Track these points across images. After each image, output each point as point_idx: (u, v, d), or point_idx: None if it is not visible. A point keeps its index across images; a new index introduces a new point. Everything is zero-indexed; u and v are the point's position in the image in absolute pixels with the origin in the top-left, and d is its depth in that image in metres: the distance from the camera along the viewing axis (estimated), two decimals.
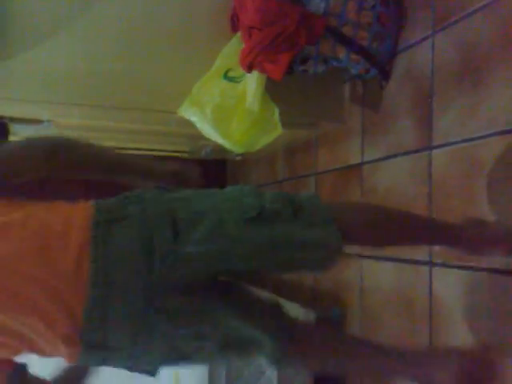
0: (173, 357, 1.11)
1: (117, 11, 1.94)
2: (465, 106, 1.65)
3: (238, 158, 3.15)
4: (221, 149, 2.06)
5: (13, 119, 2.14)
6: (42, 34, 1.88)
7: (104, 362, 1.09)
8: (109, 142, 2.93)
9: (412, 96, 1.89)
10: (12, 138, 2.34)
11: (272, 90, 1.92)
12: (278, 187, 3.04)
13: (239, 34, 1.89)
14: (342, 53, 1.86)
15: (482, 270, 1.56)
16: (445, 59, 1.74)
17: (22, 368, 1.14)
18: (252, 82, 1.87)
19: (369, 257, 2.12)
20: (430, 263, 1.77)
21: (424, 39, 1.83)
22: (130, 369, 1.13)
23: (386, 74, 1.98)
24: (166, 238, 1.03)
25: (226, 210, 1.09)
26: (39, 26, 1.88)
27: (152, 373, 1.14)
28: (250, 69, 1.81)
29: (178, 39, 2.02)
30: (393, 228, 1.28)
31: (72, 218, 1.04)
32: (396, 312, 1.95)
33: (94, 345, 1.02)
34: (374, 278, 2.08)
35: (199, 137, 2.10)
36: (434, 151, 1.77)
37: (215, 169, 3.83)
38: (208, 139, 1.97)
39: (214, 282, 1.15)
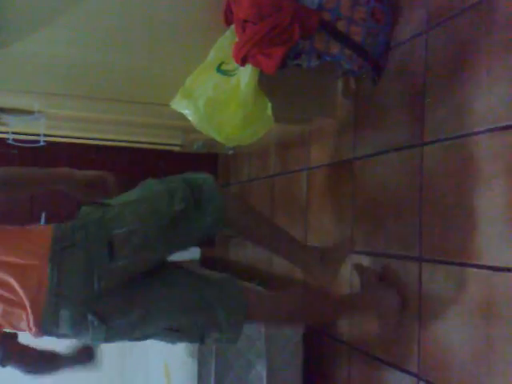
0: (110, 338, 1.49)
1: (111, 2, 1.93)
2: (457, 103, 1.65)
3: (230, 152, 3.15)
4: (213, 142, 2.06)
5: (3, 110, 2.13)
6: (34, 23, 1.86)
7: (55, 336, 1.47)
8: (100, 134, 2.93)
9: (405, 92, 1.89)
10: (2, 129, 2.33)
11: (265, 84, 1.92)
12: (269, 182, 3.04)
13: (233, 27, 1.88)
14: (335, 48, 1.86)
15: (472, 266, 1.57)
16: (438, 55, 1.75)
17: (10, 335, 1.55)
18: (245, 76, 1.86)
19: (358, 252, 2.12)
20: (420, 259, 1.78)
21: (418, 35, 1.83)
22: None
23: (379, 70, 1.98)
24: (102, 258, 1.39)
25: (147, 222, 1.47)
26: (32, 16, 1.86)
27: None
28: (243, 62, 1.81)
29: (171, 32, 2.01)
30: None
31: (37, 247, 1.40)
32: None
33: (45, 331, 1.43)
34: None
35: (191, 130, 2.10)
36: (426, 147, 1.78)
37: (207, 163, 3.83)
38: (200, 132, 1.97)
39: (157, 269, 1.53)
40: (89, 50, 1.93)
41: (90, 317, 1.40)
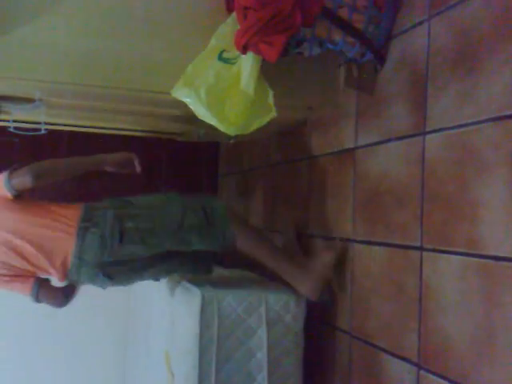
0: (115, 284, 2.12)
1: None
2: (459, 92, 1.64)
3: (232, 141, 3.14)
4: (214, 131, 2.05)
5: (3, 98, 2.12)
6: (35, 11, 1.85)
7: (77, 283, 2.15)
8: (101, 123, 2.92)
9: (407, 80, 1.88)
10: (3, 117, 2.32)
11: (267, 72, 1.91)
12: (271, 171, 3.03)
13: (234, 14, 1.87)
14: (337, 36, 1.85)
15: (472, 255, 1.57)
16: (440, 44, 1.73)
17: (44, 279, 2.11)
18: (247, 64, 1.85)
19: (360, 241, 2.12)
20: (421, 248, 1.78)
21: (420, 23, 1.82)
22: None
23: (381, 58, 1.97)
24: (114, 241, 1.96)
25: (158, 223, 2.03)
26: (33, 3, 1.85)
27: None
28: (244, 50, 1.79)
29: (172, 19, 1.99)
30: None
31: (69, 221, 2.01)
32: (386, 297, 1.96)
33: (70, 279, 2.07)
34: (365, 262, 2.09)
35: (192, 119, 2.09)
36: (428, 136, 1.77)
37: (208, 151, 3.82)
38: (201, 121, 1.96)
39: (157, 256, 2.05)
40: (89, 38, 1.92)
41: (100, 275, 2.02)
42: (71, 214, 2.02)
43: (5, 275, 2.02)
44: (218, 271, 2.84)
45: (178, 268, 2.16)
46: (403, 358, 1.85)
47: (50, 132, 2.49)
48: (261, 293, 2.21)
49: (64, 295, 2.16)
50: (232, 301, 2.15)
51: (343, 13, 1.82)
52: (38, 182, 1.98)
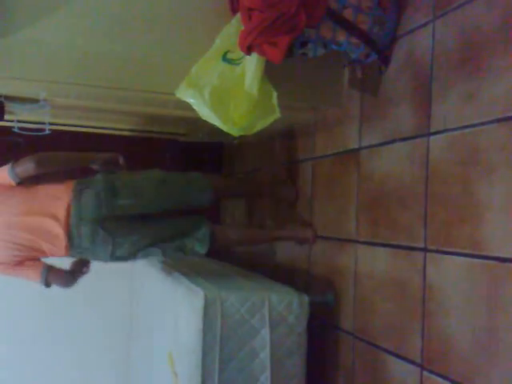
0: (117, 255, 2.23)
1: None
2: (464, 93, 1.64)
3: (235, 142, 3.14)
4: (218, 131, 2.05)
5: (9, 98, 2.12)
6: (40, 11, 1.86)
7: (81, 254, 2.26)
8: (104, 123, 2.93)
9: (411, 81, 1.88)
10: (8, 117, 2.33)
11: (271, 73, 1.90)
12: (274, 171, 3.03)
13: (239, 15, 1.87)
14: (341, 37, 1.85)
15: (476, 256, 1.57)
16: (445, 45, 1.73)
17: (50, 265, 2.26)
18: (251, 65, 1.85)
19: (363, 242, 2.12)
20: (425, 249, 1.78)
21: (425, 24, 1.82)
22: (96, 260, 2.32)
23: (385, 59, 1.97)
24: (108, 196, 2.19)
25: (145, 180, 2.31)
26: (37, 4, 1.85)
27: (106, 260, 2.28)
28: (249, 51, 1.79)
29: (176, 20, 1.99)
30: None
31: (66, 188, 2.22)
32: (389, 297, 1.96)
33: (74, 246, 2.19)
34: (369, 263, 2.09)
35: (196, 119, 2.09)
36: (432, 137, 1.77)
37: (211, 152, 3.82)
38: (205, 121, 1.96)
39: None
40: (94, 39, 1.92)
41: (100, 231, 2.17)
42: (67, 184, 2.25)
43: (16, 256, 2.19)
44: (220, 269, 2.85)
45: (171, 228, 2.32)
46: (406, 359, 1.85)
47: (54, 132, 2.50)
48: (264, 293, 2.21)
49: (71, 275, 2.32)
50: (235, 301, 2.15)
51: (348, 14, 1.82)
52: (39, 169, 2.16)
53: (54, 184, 2.26)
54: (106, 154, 2.33)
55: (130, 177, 2.31)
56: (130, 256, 2.27)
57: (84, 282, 3.28)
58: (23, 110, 2.20)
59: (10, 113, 2.29)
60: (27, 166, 2.15)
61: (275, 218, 3.02)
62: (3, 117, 2.21)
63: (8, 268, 2.21)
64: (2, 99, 2.11)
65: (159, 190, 2.29)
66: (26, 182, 2.21)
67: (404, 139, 1.91)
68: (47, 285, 2.25)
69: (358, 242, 2.17)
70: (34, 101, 2.12)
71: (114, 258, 2.23)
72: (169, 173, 2.38)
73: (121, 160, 2.33)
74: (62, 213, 2.16)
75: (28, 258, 2.22)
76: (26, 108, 2.17)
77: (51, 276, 2.23)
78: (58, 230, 2.16)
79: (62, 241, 2.17)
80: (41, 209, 2.17)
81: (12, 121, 2.42)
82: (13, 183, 2.18)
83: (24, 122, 2.51)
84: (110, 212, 2.17)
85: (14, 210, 2.17)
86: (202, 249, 2.32)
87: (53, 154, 2.25)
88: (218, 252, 3.50)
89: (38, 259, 2.25)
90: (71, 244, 2.18)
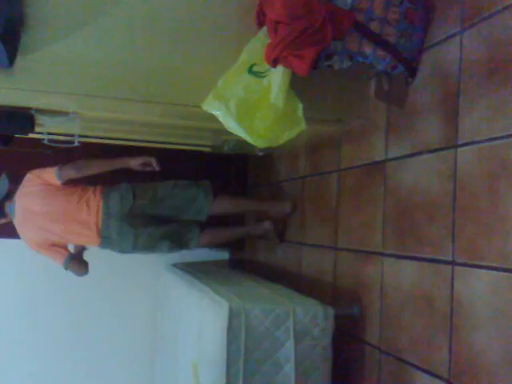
0: (137, 244, 2.79)
1: (143, 5, 1.95)
2: (492, 105, 1.62)
3: (260, 154, 3.15)
4: (243, 144, 2.06)
5: (39, 111, 2.17)
6: (69, 26, 1.90)
7: (109, 246, 2.80)
8: (132, 135, 2.97)
9: (438, 93, 1.87)
10: (38, 130, 2.37)
11: (297, 86, 1.91)
12: (300, 183, 3.03)
13: (265, 28, 1.89)
14: (368, 49, 1.85)
15: (505, 270, 1.54)
16: (473, 56, 1.72)
17: (73, 255, 2.82)
18: (277, 77, 1.86)
19: (390, 255, 2.11)
20: (453, 263, 1.76)
21: (452, 36, 1.81)
22: (118, 251, 2.85)
23: (412, 71, 1.96)
24: (129, 198, 2.77)
25: (160, 187, 2.87)
26: (68, 19, 1.90)
27: (126, 253, 2.86)
28: (275, 63, 1.81)
29: (203, 33, 2.02)
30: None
31: (98, 191, 2.80)
32: (416, 311, 1.93)
33: (105, 237, 2.76)
34: (395, 276, 2.07)
35: (222, 131, 2.11)
36: (460, 149, 1.75)
37: (237, 164, 3.84)
38: (231, 134, 1.97)
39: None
40: (121, 53, 1.95)
41: (125, 224, 2.73)
42: (98, 188, 2.81)
43: (49, 240, 2.76)
44: (245, 280, 2.85)
45: (177, 228, 2.90)
46: (433, 374, 1.82)
47: (83, 144, 2.54)
48: (289, 305, 2.20)
49: (85, 266, 2.84)
50: (259, 313, 2.14)
51: (374, 26, 1.82)
52: (78, 174, 2.72)
53: (87, 187, 2.80)
54: (138, 157, 2.80)
55: (148, 185, 2.87)
56: (148, 247, 2.81)
57: (110, 292, 3.34)
58: (53, 122, 2.24)
59: (40, 125, 2.34)
60: (69, 172, 2.71)
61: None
62: (34, 129, 2.25)
63: (40, 247, 2.78)
64: (33, 112, 2.15)
65: (171, 197, 2.86)
66: (68, 183, 2.75)
67: (431, 151, 1.89)
68: (66, 269, 2.78)
69: (384, 254, 2.15)
70: (64, 114, 2.16)
71: (136, 247, 2.78)
72: (178, 184, 2.91)
73: (153, 161, 2.81)
74: (93, 211, 2.72)
75: (58, 244, 2.78)
76: (55, 121, 2.21)
77: (70, 264, 2.77)
78: (91, 223, 2.71)
79: (94, 231, 2.73)
80: (77, 206, 2.71)
81: (42, 133, 2.46)
82: (57, 183, 2.71)
83: (54, 134, 2.55)
84: (130, 209, 2.75)
85: (53, 206, 2.70)
86: (195, 243, 2.95)
87: (91, 160, 2.77)
88: (242, 264, 3.50)
89: (65, 247, 2.81)
90: (101, 234, 2.74)
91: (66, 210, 2.71)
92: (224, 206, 3.02)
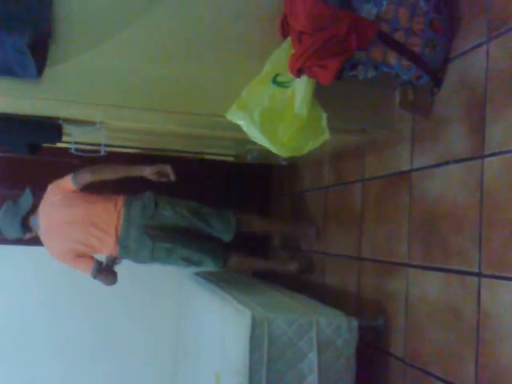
0: (155, 256, 2.73)
1: (169, 16, 1.98)
2: None
3: (284, 163, 3.15)
4: (267, 153, 2.06)
5: (67, 120, 2.20)
6: (96, 37, 1.93)
7: (127, 255, 2.77)
8: (156, 145, 3.00)
9: (464, 103, 1.85)
10: (65, 139, 2.42)
11: (321, 95, 1.92)
12: (323, 193, 3.03)
13: (289, 39, 1.89)
14: (393, 59, 1.84)
15: None
16: (499, 66, 1.70)
17: (101, 264, 2.77)
18: (301, 87, 1.87)
19: (415, 266, 2.08)
20: (479, 274, 1.73)
21: (478, 46, 1.80)
22: (135, 261, 2.81)
23: (437, 81, 1.95)
24: (151, 207, 2.73)
25: (180, 205, 2.80)
26: (93, 30, 1.93)
27: (143, 263, 2.82)
28: (299, 73, 1.81)
29: (228, 44, 2.04)
30: None
31: (120, 199, 2.78)
32: (442, 323, 1.91)
33: (123, 245, 2.71)
34: (420, 287, 2.05)
35: (246, 141, 2.12)
36: (487, 160, 1.73)
37: (260, 173, 3.84)
38: (254, 143, 1.98)
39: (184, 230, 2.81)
40: (147, 63, 1.98)
41: (144, 235, 2.69)
42: (120, 196, 2.79)
43: (73, 249, 2.73)
44: (268, 289, 2.84)
45: (198, 246, 2.79)
46: None
47: (109, 154, 2.57)
48: (312, 315, 2.19)
49: (114, 276, 2.81)
50: (282, 323, 2.13)
51: (399, 36, 1.81)
52: (94, 177, 2.69)
53: (110, 194, 2.80)
54: (154, 165, 2.74)
55: (171, 198, 2.82)
56: (165, 261, 2.77)
57: (133, 301, 3.36)
58: (80, 132, 2.28)
59: (68, 135, 2.38)
60: (85, 175, 2.68)
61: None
62: (61, 138, 2.29)
63: (67, 257, 2.75)
64: (61, 122, 2.19)
65: (190, 211, 2.79)
66: (86, 189, 2.73)
67: (457, 161, 1.87)
68: (94, 278, 2.74)
69: (409, 265, 2.13)
70: (91, 123, 2.20)
71: (152, 259, 2.73)
72: (203, 206, 2.85)
73: (169, 170, 2.74)
74: (114, 216, 2.70)
75: (83, 253, 2.75)
76: (82, 130, 2.25)
77: (98, 274, 2.73)
78: (111, 230, 2.69)
79: (113, 237, 2.70)
80: (97, 213, 2.71)
81: (69, 142, 2.50)
82: (75, 188, 2.70)
83: (80, 143, 2.59)
84: (151, 219, 2.72)
85: (75, 213, 2.70)
86: (214, 266, 2.87)
87: (106, 165, 2.72)
88: (265, 273, 3.50)
89: (92, 257, 2.77)
90: (119, 242, 2.70)
91: (88, 216, 2.69)
92: (251, 226, 3.01)
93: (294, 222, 3.43)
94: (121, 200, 2.75)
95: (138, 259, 2.77)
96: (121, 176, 2.74)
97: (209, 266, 2.87)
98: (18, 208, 2.77)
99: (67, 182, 2.70)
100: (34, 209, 2.78)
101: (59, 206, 2.71)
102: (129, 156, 3.16)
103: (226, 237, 2.87)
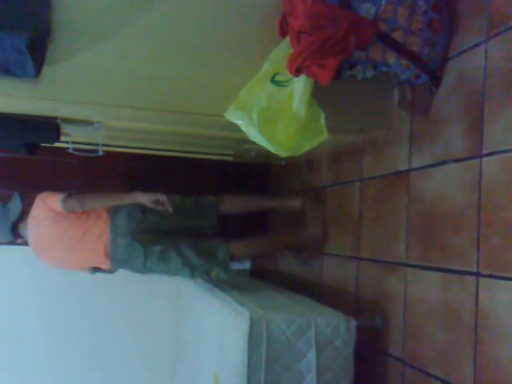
0: (149, 262, 2.59)
1: (168, 16, 1.98)
2: None
3: (283, 163, 3.15)
4: (265, 153, 2.06)
5: (65, 120, 2.20)
6: (94, 37, 1.93)
7: (121, 266, 2.67)
8: (155, 145, 2.99)
9: (463, 102, 1.85)
10: (63, 139, 2.41)
11: (319, 95, 1.91)
12: (321, 192, 3.02)
13: (287, 38, 1.89)
14: (391, 58, 1.84)
15: None
16: (498, 66, 1.70)
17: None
18: (299, 87, 1.86)
19: (413, 266, 2.08)
20: (478, 274, 1.73)
21: (477, 45, 1.80)
22: (134, 271, 2.68)
23: (436, 80, 1.95)
24: (137, 214, 2.64)
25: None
26: (92, 30, 1.93)
27: (141, 272, 2.68)
28: (297, 73, 1.81)
29: (226, 44, 2.03)
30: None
31: (106, 209, 2.67)
32: (440, 323, 1.91)
33: (113, 257, 2.60)
34: (418, 287, 2.05)
35: (244, 140, 2.11)
36: (485, 159, 1.73)
37: (259, 173, 3.85)
38: (253, 143, 1.98)
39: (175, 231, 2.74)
40: (146, 63, 1.98)
41: (134, 242, 2.57)
42: (103, 212, 2.66)
43: (68, 261, 2.71)
44: (266, 290, 2.84)
45: (191, 242, 2.66)
46: None
47: (108, 153, 2.57)
48: (310, 316, 2.19)
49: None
50: (281, 323, 2.13)
51: (398, 35, 1.81)
52: (82, 209, 2.58)
53: (92, 213, 2.66)
54: (149, 194, 2.54)
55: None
56: (159, 267, 2.61)
57: (131, 302, 3.34)
58: (78, 131, 2.28)
59: (66, 134, 2.37)
60: (73, 206, 2.55)
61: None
62: (59, 138, 2.29)
63: (64, 267, 2.78)
64: (59, 121, 2.19)
65: (177, 212, 2.66)
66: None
67: (455, 161, 1.87)
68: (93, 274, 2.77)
69: (407, 265, 2.13)
70: (89, 123, 2.19)
71: (146, 267, 2.61)
72: (184, 199, 2.79)
73: (166, 201, 2.56)
74: (103, 228, 2.60)
75: (77, 266, 2.74)
76: (81, 130, 2.24)
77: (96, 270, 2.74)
78: (100, 245, 2.58)
79: (102, 255, 2.60)
80: (86, 228, 2.60)
81: (67, 142, 2.50)
82: (62, 210, 2.56)
83: (78, 143, 2.59)
84: (139, 225, 2.63)
85: (65, 229, 2.59)
86: (224, 274, 2.66)
87: (97, 195, 2.61)
88: (264, 274, 3.50)
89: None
90: (110, 256, 2.59)
91: (76, 232, 2.59)
92: (232, 203, 2.92)
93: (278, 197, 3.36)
94: (106, 211, 2.65)
95: (134, 268, 2.66)
96: (114, 204, 2.64)
97: (220, 276, 2.67)
98: (7, 213, 2.68)
99: (55, 203, 2.57)
100: (23, 215, 2.68)
101: (45, 222, 2.61)
102: (127, 155, 3.15)
103: (212, 230, 2.83)
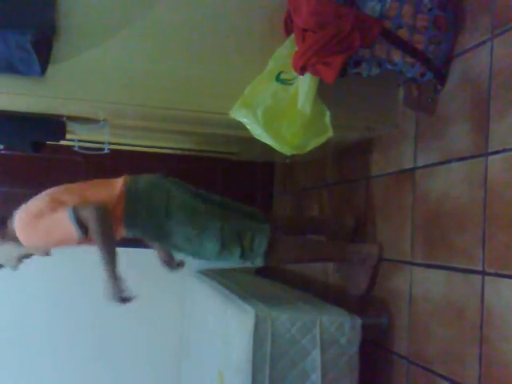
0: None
1: (173, 14, 1.98)
2: None
3: (287, 161, 3.15)
4: (270, 151, 2.06)
5: (70, 118, 2.21)
6: (99, 35, 1.94)
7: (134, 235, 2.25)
8: (160, 143, 3.00)
9: (468, 100, 1.85)
10: (68, 137, 2.42)
11: (324, 93, 1.91)
12: (327, 191, 3.02)
13: (292, 36, 1.89)
14: (396, 56, 1.84)
15: None
16: (503, 64, 1.70)
17: None
18: (304, 85, 1.86)
19: (419, 264, 2.08)
20: (483, 272, 1.73)
21: (482, 43, 1.79)
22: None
23: (441, 78, 1.94)
24: (161, 210, 2.21)
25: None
26: (97, 28, 1.94)
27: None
28: (302, 71, 1.81)
29: (231, 42, 2.04)
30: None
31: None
32: (445, 322, 1.91)
33: (129, 225, 2.18)
34: (424, 285, 2.04)
35: (249, 138, 2.12)
36: (491, 157, 1.72)
37: (263, 171, 3.85)
38: (257, 141, 1.98)
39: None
40: (151, 62, 1.99)
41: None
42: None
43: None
44: (271, 288, 2.84)
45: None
46: None
47: (113, 151, 2.57)
48: (315, 314, 2.19)
49: None
50: (286, 320, 2.13)
51: (403, 33, 1.81)
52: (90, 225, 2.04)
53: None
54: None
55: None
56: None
57: (136, 299, 3.29)
58: (84, 129, 2.28)
59: (71, 132, 2.38)
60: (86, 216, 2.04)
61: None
62: (65, 136, 2.30)
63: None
64: (64, 119, 2.20)
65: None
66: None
67: (461, 159, 1.87)
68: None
69: (413, 263, 2.12)
70: (95, 121, 2.20)
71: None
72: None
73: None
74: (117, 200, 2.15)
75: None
76: (86, 128, 2.25)
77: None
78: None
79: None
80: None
81: (73, 140, 2.51)
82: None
83: (84, 141, 2.59)
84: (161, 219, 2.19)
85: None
86: (260, 247, 2.20)
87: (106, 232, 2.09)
88: (269, 272, 3.50)
89: None
90: (124, 224, 2.17)
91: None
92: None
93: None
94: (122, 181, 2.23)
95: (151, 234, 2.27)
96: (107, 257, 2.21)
97: (253, 248, 2.21)
98: None
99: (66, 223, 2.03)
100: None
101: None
102: (132, 153, 3.16)
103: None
